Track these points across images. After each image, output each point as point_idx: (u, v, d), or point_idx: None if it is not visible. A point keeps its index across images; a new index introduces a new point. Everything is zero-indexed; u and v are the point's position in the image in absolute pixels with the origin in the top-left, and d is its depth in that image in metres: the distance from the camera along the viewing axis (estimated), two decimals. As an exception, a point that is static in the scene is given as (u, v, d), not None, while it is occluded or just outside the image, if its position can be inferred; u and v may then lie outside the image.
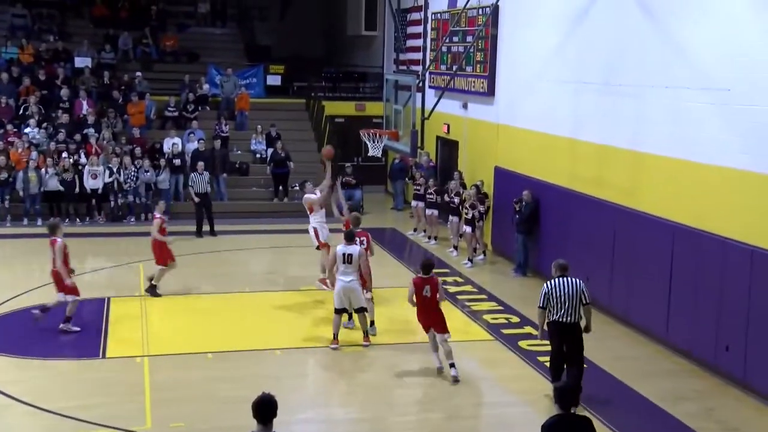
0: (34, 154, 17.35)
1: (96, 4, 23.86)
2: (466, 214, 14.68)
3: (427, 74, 17.71)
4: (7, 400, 8.59)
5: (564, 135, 13.14)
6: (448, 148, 18.27)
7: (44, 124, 18.39)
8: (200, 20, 25.21)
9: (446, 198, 15.61)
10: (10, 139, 17.73)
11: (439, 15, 18.05)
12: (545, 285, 8.81)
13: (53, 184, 17.04)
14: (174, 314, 11.40)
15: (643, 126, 11.17)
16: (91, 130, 18.38)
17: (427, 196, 16.29)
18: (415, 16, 19.70)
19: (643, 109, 11.14)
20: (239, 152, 19.75)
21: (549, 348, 9.62)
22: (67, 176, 17.08)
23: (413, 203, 17.08)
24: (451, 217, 15.53)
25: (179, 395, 8.84)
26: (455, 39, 17.08)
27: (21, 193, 16.83)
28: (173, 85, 20.98)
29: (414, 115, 15.15)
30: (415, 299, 9.44)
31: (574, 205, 12.72)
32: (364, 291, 10.62)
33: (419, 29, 19.09)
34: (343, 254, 10.13)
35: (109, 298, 12.09)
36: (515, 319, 11.71)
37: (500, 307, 12.31)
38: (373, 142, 15.26)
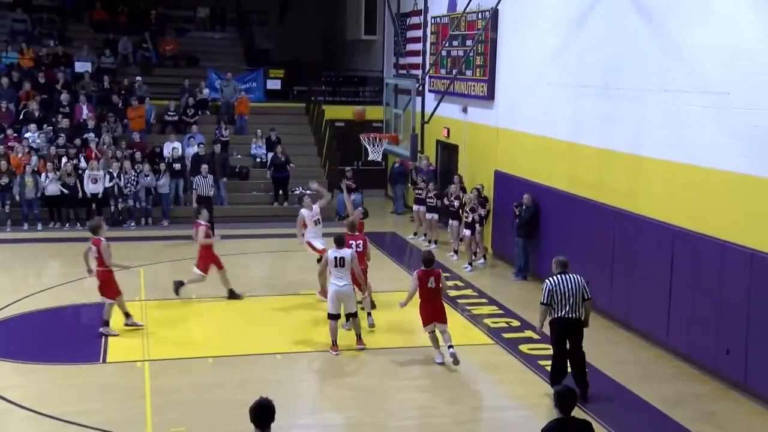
0: (34, 159, 17.37)
1: (96, 8, 23.90)
2: (466, 217, 14.69)
3: (427, 78, 17.73)
4: (8, 405, 8.58)
5: (563, 139, 13.16)
6: (448, 152, 18.29)
7: (44, 129, 18.40)
8: (199, 25, 25.25)
9: (446, 202, 15.62)
10: (10, 143, 17.74)
11: (438, 19, 18.08)
12: (548, 281, 8.84)
13: (53, 188, 17.05)
14: (174, 319, 11.40)
15: (642, 129, 11.18)
16: (91, 135, 18.39)
17: (428, 200, 16.30)
18: (415, 20, 19.72)
19: (643, 113, 11.15)
20: (239, 156, 19.77)
21: (550, 351, 9.66)
22: (70, 181, 17.10)
23: (414, 207, 17.08)
24: (450, 221, 15.54)
25: (180, 400, 8.84)
26: (455, 43, 17.10)
27: (17, 198, 16.84)
28: (173, 90, 21.00)
29: (414, 119, 15.16)
30: (418, 292, 9.73)
31: (573, 209, 12.73)
32: (362, 293, 10.66)
33: (419, 33, 19.11)
34: (335, 258, 10.18)
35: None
36: (516, 323, 11.71)
37: (501, 311, 12.31)
38: (373, 146, 15.28)
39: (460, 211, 15.06)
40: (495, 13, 15.25)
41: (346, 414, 8.88)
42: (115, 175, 17.34)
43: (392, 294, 12.14)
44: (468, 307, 12.46)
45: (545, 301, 8.79)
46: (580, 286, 8.78)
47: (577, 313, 8.78)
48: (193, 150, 18.45)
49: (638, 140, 11.25)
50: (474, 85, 16.39)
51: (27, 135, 18.07)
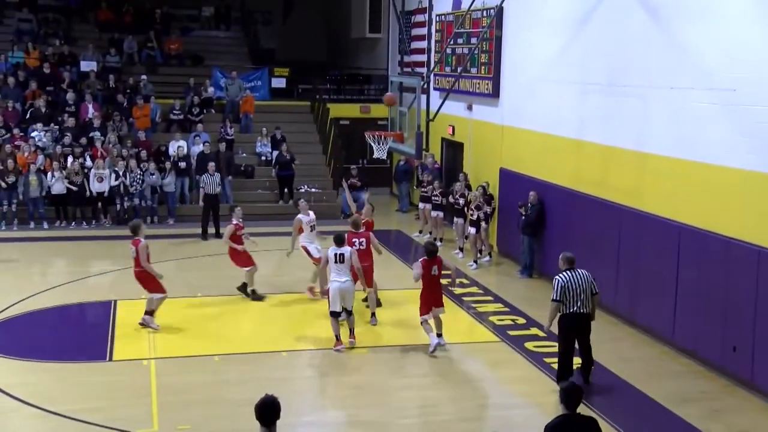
0: (40, 158, 17.43)
1: (101, 8, 23.94)
2: (471, 215, 14.68)
3: (432, 76, 17.72)
4: (15, 403, 8.62)
5: (569, 136, 13.13)
6: (453, 149, 18.27)
7: (50, 128, 18.46)
8: (204, 24, 25.29)
9: (451, 199, 15.61)
10: (16, 143, 17.81)
11: (443, 17, 18.06)
12: (559, 278, 8.87)
13: (59, 187, 17.10)
14: (180, 317, 11.42)
15: (647, 127, 11.15)
16: (97, 134, 18.45)
17: (433, 197, 16.29)
18: (420, 18, 19.71)
19: (648, 110, 11.12)
20: (244, 155, 19.79)
21: (555, 349, 9.65)
22: (77, 179, 17.15)
23: (420, 205, 17.08)
24: (456, 219, 15.54)
25: (186, 398, 8.86)
26: (460, 41, 17.08)
27: (21, 197, 16.89)
28: (178, 89, 21.04)
29: (419, 117, 15.13)
30: (421, 279, 10.09)
31: (579, 207, 12.71)
32: (368, 287, 10.87)
33: (423, 31, 19.08)
34: (335, 254, 10.27)
35: (115, 301, 12.12)
36: (521, 321, 11.70)
37: (506, 309, 12.30)
38: (379, 144, 15.28)
39: (466, 208, 15.05)
40: (500, 10, 15.23)
41: (350, 411, 8.89)
42: (120, 173, 17.38)
43: (397, 292, 12.15)
44: (473, 305, 12.45)
45: (558, 298, 8.83)
46: (588, 281, 8.93)
47: (587, 308, 8.92)
48: (198, 148, 18.48)
49: (644, 137, 11.22)
50: (479, 83, 16.37)
51: (33, 134, 18.13)
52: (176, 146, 18.38)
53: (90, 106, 19.24)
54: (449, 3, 17.75)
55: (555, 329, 9.45)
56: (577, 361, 9.34)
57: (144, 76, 20.80)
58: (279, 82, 21.97)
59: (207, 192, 16.54)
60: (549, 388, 9.15)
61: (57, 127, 18.61)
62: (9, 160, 16.97)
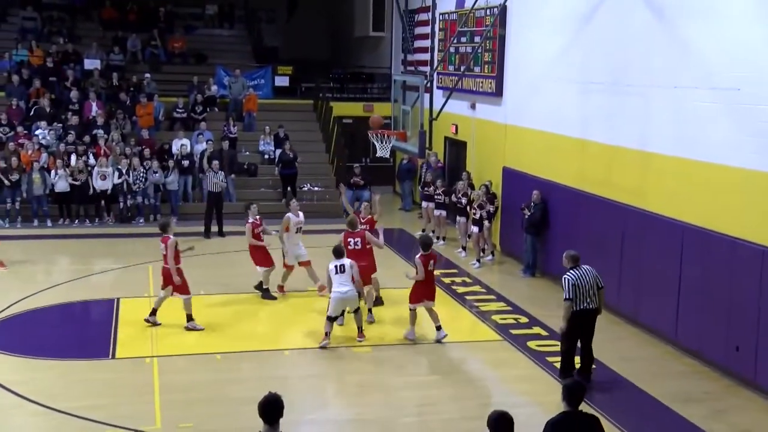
0: (44, 155, 17.46)
1: (105, 6, 23.98)
2: (474, 214, 14.67)
3: (435, 75, 17.69)
4: (18, 400, 8.64)
5: (572, 135, 13.11)
6: (456, 148, 18.26)
7: (54, 126, 18.49)
8: (208, 22, 25.31)
9: (453, 198, 15.60)
10: (20, 141, 17.84)
11: (446, 15, 18.04)
12: (569, 276, 8.89)
13: (63, 185, 17.12)
14: (183, 315, 11.42)
15: (651, 126, 11.13)
16: (101, 132, 18.47)
17: (436, 196, 16.29)
18: (423, 16, 19.69)
19: (651, 110, 11.10)
20: (247, 153, 19.80)
21: (558, 348, 9.65)
22: (81, 177, 17.17)
23: (423, 204, 17.07)
24: (458, 218, 15.53)
25: (188, 396, 8.86)
26: (463, 39, 17.06)
27: (25, 195, 16.92)
28: (181, 87, 21.06)
29: (422, 116, 15.13)
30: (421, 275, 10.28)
31: (582, 206, 12.69)
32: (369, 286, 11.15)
33: (427, 30, 19.06)
34: (335, 266, 10.31)
35: (118, 299, 12.13)
36: (524, 320, 11.69)
37: (509, 308, 12.29)
38: (382, 142, 15.27)
39: (468, 207, 15.05)
40: (503, 9, 15.21)
41: (352, 410, 8.89)
42: (123, 171, 17.40)
43: (400, 291, 12.14)
44: (476, 304, 12.44)
45: (570, 296, 8.85)
46: (594, 276, 9.03)
47: (594, 303, 9.00)
48: (201, 147, 18.49)
49: (647, 137, 11.20)
50: (482, 82, 16.35)
51: (37, 132, 18.16)
52: (179, 144, 18.40)
53: (93, 104, 19.26)
54: (453, 1, 17.73)
55: (552, 325, 9.44)
56: (576, 359, 9.34)
57: (147, 75, 20.82)
58: (282, 81, 21.97)
59: (210, 190, 16.55)
60: (551, 386, 9.14)
61: (60, 125, 18.64)
62: (13, 158, 17.00)
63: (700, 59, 10.13)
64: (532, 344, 10.63)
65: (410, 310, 10.57)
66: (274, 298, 12.34)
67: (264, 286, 12.37)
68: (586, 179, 12.74)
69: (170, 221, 11.34)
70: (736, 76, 9.47)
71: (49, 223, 17.05)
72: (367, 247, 11.38)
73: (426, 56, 18.91)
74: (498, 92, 15.73)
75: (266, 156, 19.78)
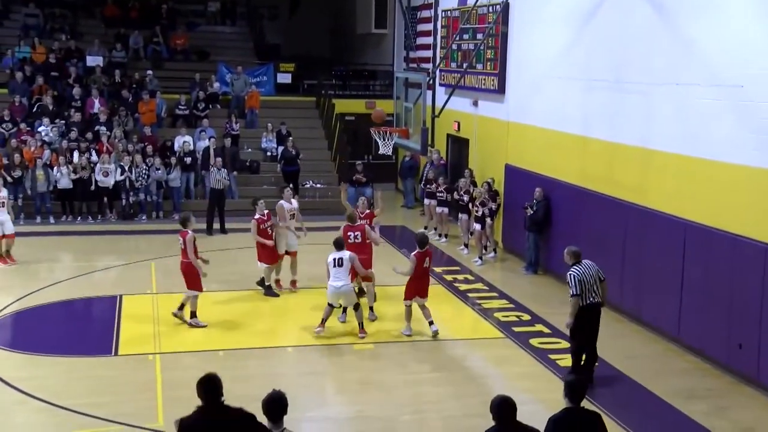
0: (46, 152, 17.47)
1: (107, 3, 23.98)
2: (477, 211, 14.66)
3: (438, 72, 17.68)
4: (22, 396, 8.66)
5: (574, 132, 13.10)
6: (459, 145, 18.25)
7: (57, 122, 18.51)
8: (210, 19, 25.29)
9: (455, 196, 15.60)
10: (23, 137, 17.86)
11: (449, 12, 18.02)
12: (574, 272, 8.91)
13: (65, 182, 17.14)
14: (185, 312, 11.43)
15: (653, 123, 11.11)
16: (103, 129, 18.49)
17: (438, 194, 16.28)
18: (426, 13, 19.67)
19: (654, 107, 11.08)
20: (250, 150, 19.80)
21: (560, 345, 9.65)
22: (84, 174, 17.19)
23: (425, 201, 17.07)
24: (460, 215, 15.53)
25: (191, 393, 8.78)
26: (465, 36, 17.04)
27: (29, 192, 16.94)
28: (184, 84, 21.06)
29: (424, 113, 15.13)
30: (412, 272, 10.35)
31: (584, 203, 12.68)
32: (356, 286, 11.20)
33: (429, 27, 19.05)
34: (334, 259, 10.38)
35: (121, 296, 12.15)
36: (526, 317, 11.69)
37: (511, 305, 12.29)
38: (384, 140, 15.27)
39: (470, 205, 15.05)
40: (506, 6, 15.19)
41: (355, 407, 8.89)
42: (126, 168, 17.41)
43: (401, 287, 12.14)
44: (478, 301, 12.44)
45: (578, 292, 8.87)
46: (595, 269, 9.06)
47: (599, 297, 9.05)
48: (204, 144, 18.49)
49: (649, 134, 11.18)
50: (484, 79, 16.33)
51: (40, 129, 18.18)
52: (182, 141, 18.40)
53: (96, 101, 19.28)
54: (455, -2, 17.72)
55: (555, 322, 9.44)
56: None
57: (150, 72, 20.82)
58: (284, 78, 21.97)
59: (214, 187, 16.56)
60: (554, 384, 9.14)
61: (63, 122, 18.66)
62: (15, 155, 17.03)
63: (702, 56, 10.11)
64: (534, 341, 10.63)
65: (405, 306, 10.64)
66: (277, 295, 12.36)
67: (266, 283, 12.38)
68: (588, 176, 12.73)
69: (190, 216, 11.34)
70: (739, 73, 9.46)
71: (51, 220, 17.07)
72: (367, 241, 11.43)
73: (428, 53, 18.90)
74: (500, 89, 15.72)
75: (268, 153, 19.78)
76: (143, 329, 10.80)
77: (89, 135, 18.30)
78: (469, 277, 13.84)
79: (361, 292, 11.89)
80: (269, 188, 19.26)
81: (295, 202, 12.71)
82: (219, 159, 16.87)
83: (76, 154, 17.59)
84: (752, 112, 9.30)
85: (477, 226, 14.69)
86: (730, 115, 9.66)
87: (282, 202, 12.55)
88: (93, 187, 17.28)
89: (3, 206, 13.75)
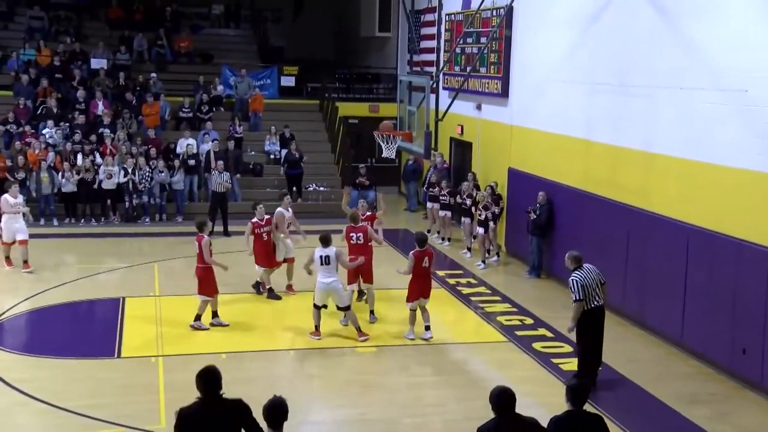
0: (51, 155, 17.51)
1: (111, 6, 24.04)
2: (480, 215, 14.66)
3: (441, 75, 17.70)
4: (24, 398, 8.67)
5: (577, 136, 13.09)
6: (462, 149, 18.25)
7: (61, 125, 18.55)
8: (214, 22, 25.33)
9: (458, 199, 15.60)
10: (27, 139, 17.91)
11: (453, 16, 18.03)
12: (576, 277, 8.90)
13: (70, 187, 17.17)
14: (188, 314, 11.43)
15: (656, 127, 11.10)
16: (107, 131, 18.53)
17: (441, 197, 16.28)
18: (429, 17, 19.69)
19: (657, 111, 11.07)
20: (253, 153, 19.82)
21: (563, 349, 9.63)
22: (88, 176, 17.23)
23: (428, 204, 17.07)
24: (463, 219, 15.52)
25: (193, 395, 8.79)
26: (469, 40, 17.05)
27: (34, 194, 16.98)
28: (187, 86, 21.10)
29: (428, 117, 15.14)
30: (412, 270, 10.37)
31: (587, 207, 12.67)
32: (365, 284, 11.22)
33: (433, 30, 19.07)
34: (320, 256, 10.40)
35: (123, 298, 12.16)
36: (529, 321, 11.67)
37: (514, 309, 12.27)
38: (387, 143, 15.28)
39: (473, 208, 15.04)
40: (509, 10, 15.19)
41: (357, 410, 8.88)
42: (129, 171, 17.44)
43: (404, 291, 12.14)
44: (481, 305, 12.43)
45: (580, 297, 8.86)
46: (596, 273, 9.07)
47: (601, 300, 9.05)
48: (207, 146, 18.51)
49: (653, 138, 11.17)
50: (488, 83, 16.34)
51: (45, 131, 18.23)
52: (185, 144, 18.43)
53: (100, 103, 19.32)
54: (459, 2, 17.72)
55: (558, 326, 9.42)
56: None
57: (153, 74, 20.86)
58: (288, 81, 22.00)
59: (215, 190, 16.57)
60: (556, 388, 9.11)
61: (67, 124, 18.70)
62: (19, 157, 17.07)
63: (706, 60, 10.10)
64: (537, 345, 10.61)
65: (410, 310, 10.61)
66: (279, 298, 12.36)
67: (267, 286, 12.38)
68: (591, 180, 12.72)
69: (206, 220, 11.45)
70: (744, 77, 9.44)
71: (55, 222, 17.10)
72: (369, 243, 11.44)
73: (432, 57, 18.92)
74: (504, 93, 15.72)
75: (272, 156, 19.80)
76: (146, 331, 10.81)
77: (93, 137, 18.33)
78: (472, 280, 13.82)
79: (360, 294, 11.90)
80: (272, 191, 19.22)
81: (290, 211, 12.72)
82: (220, 162, 16.88)
83: (79, 157, 17.62)
84: (756, 117, 9.28)
85: (480, 230, 14.68)
86: (735, 120, 9.64)
87: (281, 209, 12.53)
88: (96, 186, 17.29)
89: (18, 213, 13.69)
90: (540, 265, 13.97)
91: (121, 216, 17.65)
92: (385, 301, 11.91)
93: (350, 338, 10.74)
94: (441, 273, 13.60)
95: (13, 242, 13.68)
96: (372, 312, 11.41)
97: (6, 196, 13.70)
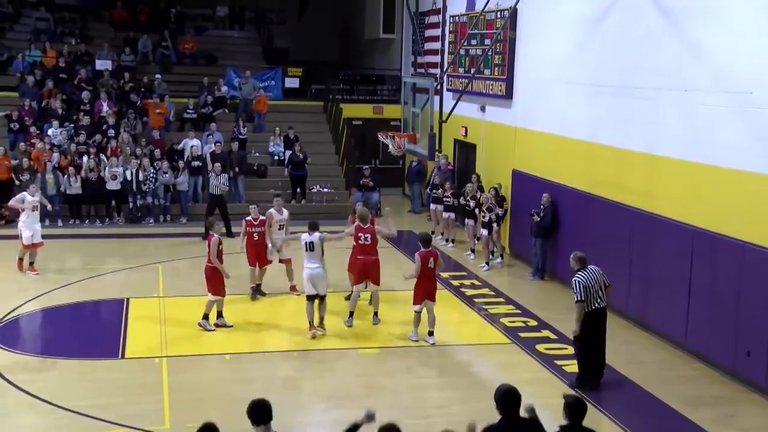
0: (55, 156, 17.55)
1: (116, 7, 24.11)
2: (483, 217, 14.65)
3: (445, 77, 17.70)
4: (29, 398, 8.69)
5: (581, 138, 13.08)
6: (466, 151, 18.25)
7: (66, 126, 18.60)
8: (218, 23, 25.39)
9: (462, 201, 15.59)
10: (33, 140, 17.96)
11: (457, 18, 18.04)
12: (579, 278, 8.91)
13: (75, 189, 17.21)
14: (192, 315, 11.45)
15: (660, 129, 11.09)
16: (111, 132, 18.56)
17: (444, 199, 16.28)
18: (433, 19, 19.70)
19: (661, 113, 11.06)
20: (257, 154, 19.84)
21: (567, 351, 9.61)
22: (92, 176, 17.26)
23: (431, 206, 17.07)
24: (467, 221, 15.52)
25: (197, 396, 8.89)
26: (473, 42, 17.05)
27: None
28: (192, 88, 21.14)
29: (432, 118, 15.14)
30: (419, 272, 10.36)
31: (591, 209, 12.66)
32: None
33: (437, 32, 19.08)
34: (305, 243, 10.60)
35: (128, 299, 12.18)
36: (533, 323, 11.66)
37: (518, 311, 12.27)
38: (391, 144, 15.28)
39: (476, 210, 15.04)
40: (514, 12, 15.19)
41: (360, 411, 8.86)
42: (133, 172, 17.47)
43: (408, 292, 12.14)
44: (485, 307, 12.42)
45: (582, 298, 8.86)
46: (600, 274, 9.08)
47: (604, 302, 9.05)
48: (210, 147, 18.52)
49: (656, 140, 11.16)
50: (492, 84, 16.33)
51: (50, 132, 18.28)
52: (190, 145, 18.46)
53: (104, 104, 19.37)
54: (463, 4, 17.73)
55: (561, 328, 9.41)
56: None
57: (158, 75, 20.91)
58: (292, 82, 22.02)
59: (212, 192, 16.55)
60: (560, 390, 9.09)
61: (72, 125, 18.75)
62: (24, 159, 17.10)
63: (710, 62, 10.09)
64: (540, 347, 10.60)
65: (415, 312, 10.59)
66: (256, 298, 12.36)
67: (252, 284, 12.43)
68: (595, 182, 12.71)
69: (214, 221, 11.51)
70: (748, 79, 9.43)
71: (60, 223, 17.13)
72: (377, 246, 11.43)
73: (436, 58, 18.92)
74: (508, 95, 15.72)
75: (276, 157, 19.82)
76: (150, 332, 10.83)
77: (98, 137, 18.38)
78: (476, 282, 13.82)
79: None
80: (276, 192, 19.28)
81: (285, 213, 12.66)
82: (218, 165, 16.89)
83: (84, 158, 17.65)
84: (761, 119, 9.26)
85: (484, 232, 14.67)
86: (739, 122, 9.63)
87: (272, 210, 12.58)
88: (100, 186, 17.32)
89: (35, 210, 13.61)
90: (544, 267, 13.96)
91: (126, 217, 17.69)
92: (389, 303, 11.91)
93: (354, 339, 10.75)
94: (445, 275, 13.59)
95: (31, 245, 13.59)
96: (376, 314, 11.42)
97: (24, 194, 13.68)
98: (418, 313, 10.58)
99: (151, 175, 17.55)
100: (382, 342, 10.71)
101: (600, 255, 11.69)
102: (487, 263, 14.68)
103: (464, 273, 14.35)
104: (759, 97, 9.28)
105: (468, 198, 15.33)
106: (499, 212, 14.60)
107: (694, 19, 10.50)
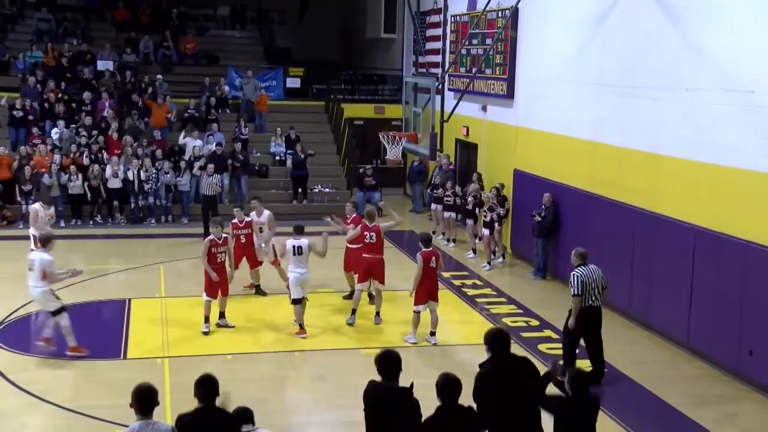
0: (57, 157, 17.55)
1: (118, 8, 24.13)
2: (485, 217, 14.65)
3: (447, 77, 17.70)
4: (31, 399, 8.71)
5: (583, 138, 13.08)
6: (467, 150, 18.24)
7: (68, 126, 18.62)
8: (220, 23, 25.41)
9: (463, 200, 15.58)
10: (34, 141, 17.97)
11: (458, 17, 18.03)
12: (577, 273, 8.93)
13: (77, 190, 17.22)
14: (193, 316, 11.46)
15: (663, 128, 11.08)
16: (115, 135, 18.56)
17: (445, 198, 16.27)
18: (435, 18, 19.69)
19: (663, 112, 11.05)
20: (259, 154, 19.85)
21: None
22: (95, 183, 17.28)
23: (433, 206, 17.07)
24: (468, 220, 15.51)
25: (199, 396, 8.87)
26: (475, 41, 17.05)
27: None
28: (193, 88, 21.15)
29: (433, 118, 15.15)
30: (421, 272, 10.30)
31: (593, 208, 12.65)
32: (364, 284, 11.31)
33: (438, 32, 19.08)
34: (293, 247, 10.60)
35: (129, 300, 12.19)
36: (535, 323, 11.66)
37: (519, 310, 12.26)
38: (393, 144, 15.28)
39: (478, 210, 15.03)
40: (515, 11, 15.18)
41: (361, 411, 8.87)
42: (135, 172, 17.48)
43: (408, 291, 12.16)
44: (486, 306, 12.42)
45: (579, 292, 8.88)
46: (599, 275, 9.06)
47: (599, 302, 9.04)
48: (211, 147, 18.53)
49: (658, 139, 11.15)
50: (493, 84, 16.33)
51: (53, 133, 18.30)
52: (192, 146, 18.47)
53: (106, 104, 19.38)
54: (464, 4, 17.72)
55: (562, 327, 9.40)
56: (585, 363, 9.29)
57: (160, 76, 20.92)
58: (294, 82, 22.04)
59: (204, 193, 16.52)
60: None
61: (74, 125, 18.76)
62: (26, 168, 17.00)
63: (713, 61, 10.08)
64: (542, 347, 10.59)
65: (414, 312, 10.56)
66: (258, 295, 12.45)
67: (243, 285, 12.49)
68: (597, 182, 12.70)
69: (217, 221, 11.46)
70: (750, 78, 9.42)
71: (62, 224, 17.14)
72: (381, 242, 11.42)
73: (437, 58, 18.93)
74: (509, 94, 15.71)
75: (277, 157, 19.83)
76: (152, 333, 10.83)
77: (100, 138, 18.40)
78: (478, 282, 13.82)
79: (370, 297, 11.90)
80: (278, 193, 19.32)
81: (265, 215, 12.57)
82: (211, 165, 16.90)
83: (86, 160, 17.66)
84: (763, 118, 9.25)
85: (485, 231, 14.67)
86: (741, 121, 9.61)
87: (252, 214, 12.62)
88: (104, 195, 17.32)
89: (51, 220, 13.52)
90: (545, 267, 13.95)
91: (127, 217, 17.70)
92: (391, 302, 11.91)
93: (356, 339, 10.75)
94: (446, 274, 13.59)
95: None
96: (378, 314, 11.41)
97: (37, 206, 13.32)
98: (418, 313, 10.56)
99: (153, 175, 17.56)
100: (384, 342, 10.68)
101: (602, 255, 11.68)
102: (489, 263, 14.68)
103: (466, 273, 14.35)
104: (761, 95, 9.27)
105: (470, 198, 15.32)
106: (501, 212, 14.59)
107: (695, 18, 10.49)
